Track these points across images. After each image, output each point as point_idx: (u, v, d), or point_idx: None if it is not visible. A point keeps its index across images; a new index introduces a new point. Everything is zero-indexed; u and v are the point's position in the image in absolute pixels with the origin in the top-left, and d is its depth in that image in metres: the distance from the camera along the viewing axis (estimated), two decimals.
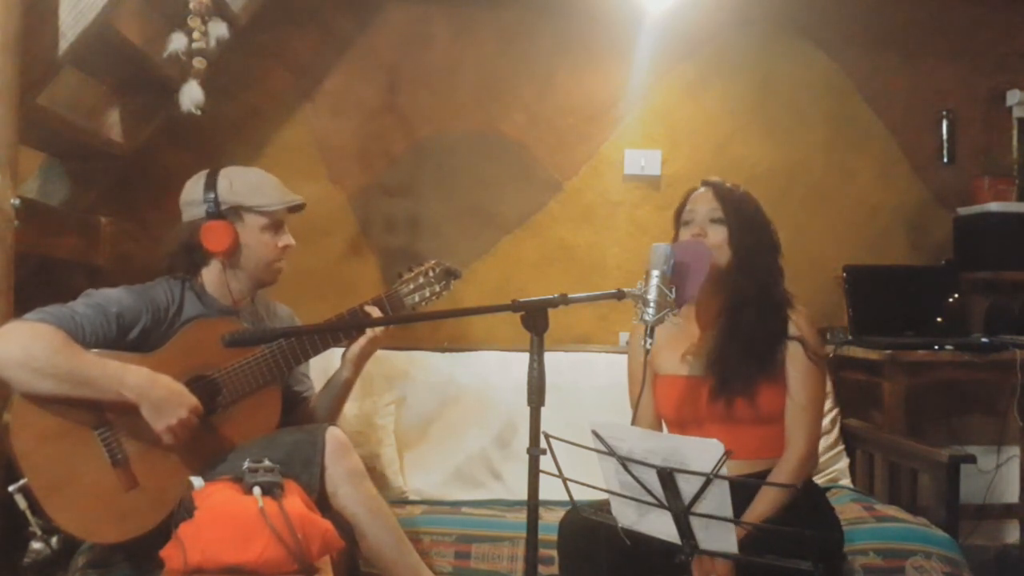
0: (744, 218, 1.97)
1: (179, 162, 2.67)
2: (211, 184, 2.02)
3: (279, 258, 2.10)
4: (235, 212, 2.03)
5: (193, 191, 2.05)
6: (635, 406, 2.06)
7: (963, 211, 3.19)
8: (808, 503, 1.94)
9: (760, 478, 1.92)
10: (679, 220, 2.04)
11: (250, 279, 2.09)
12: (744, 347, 1.93)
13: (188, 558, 1.58)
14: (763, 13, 3.16)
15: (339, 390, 2.16)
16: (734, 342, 1.94)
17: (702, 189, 2.03)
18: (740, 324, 1.95)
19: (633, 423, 2.08)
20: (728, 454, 1.34)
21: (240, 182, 2.04)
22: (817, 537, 1.83)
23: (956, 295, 3.06)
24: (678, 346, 2.04)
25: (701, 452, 1.36)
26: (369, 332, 2.09)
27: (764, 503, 1.86)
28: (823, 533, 1.90)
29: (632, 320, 1.72)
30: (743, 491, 1.78)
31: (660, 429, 2.09)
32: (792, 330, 1.95)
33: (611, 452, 1.46)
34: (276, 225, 2.08)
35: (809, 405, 1.94)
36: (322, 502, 1.84)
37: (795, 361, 1.95)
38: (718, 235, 1.96)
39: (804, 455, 1.93)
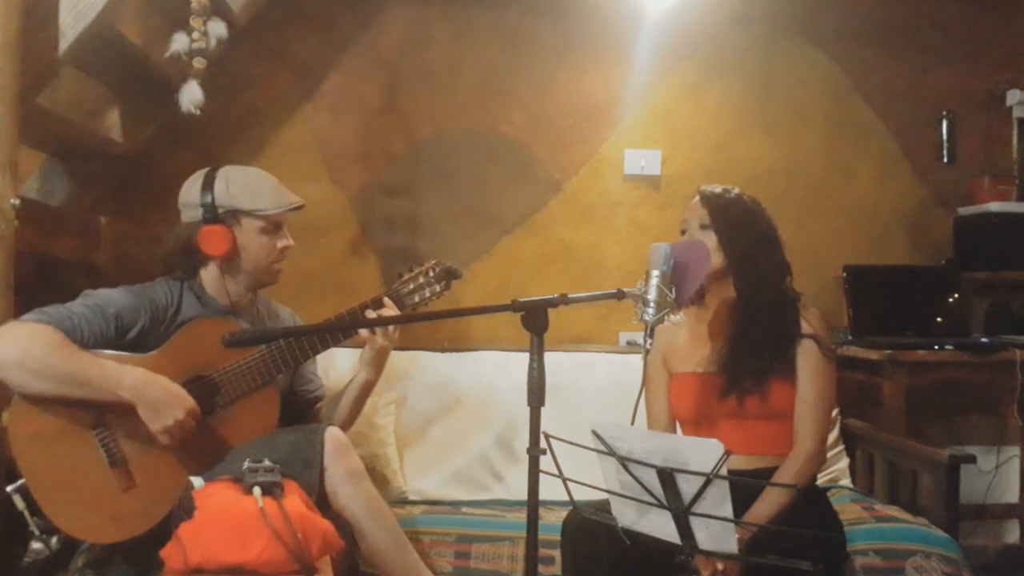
0: (731, 221, 2.00)
1: (179, 162, 2.66)
2: (208, 186, 2.00)
3: (278, 260, 2.09)
4: (232, 215, 2.01)
5: (190, 193, 2.03)
6: (647, 406, 2.10)
7: (963, 211, 3.19)
8: (809, 504, 1.93)
9: (769, 473, 1.93)
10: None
11: (248, 281, 2.08)
12: (755, 345, 1.96)
13: (188, 558, 1.58)
14: (763, 13, 3.16)
15: (359, 392, 2.15)
16: (745, 340, 1.97)
17: (695, 199, 2.06)
18: (750, 322, 1.98)
19: (648, 425, 2.11)
20: (728, 454, 1.34)
21: (237, 184, 2.02)
22: (819, 538, 1.82)
23: (956, 295, 3.06)
24: (691, 347, 2.07)
25: (701, 452, 1.36)
26: (379, 335, 2.08)
27: (767, 502, 1.86)
28: (825, 534, 1.90)
29: (632, 320, 1.72)
30: (745, 489, 1.79)
31: (674, 429, 2.10)
32: (805, 328, 1.98)
33: (611, 452, 1.46)
34: (275, 227, 2.06)
35: (818, 402, 1.96)
36: (322, 502, 1.84)
37: (807, 358, 1.97)
38: (709, 241, 1.98)
39: (812, 452, 1.94)
